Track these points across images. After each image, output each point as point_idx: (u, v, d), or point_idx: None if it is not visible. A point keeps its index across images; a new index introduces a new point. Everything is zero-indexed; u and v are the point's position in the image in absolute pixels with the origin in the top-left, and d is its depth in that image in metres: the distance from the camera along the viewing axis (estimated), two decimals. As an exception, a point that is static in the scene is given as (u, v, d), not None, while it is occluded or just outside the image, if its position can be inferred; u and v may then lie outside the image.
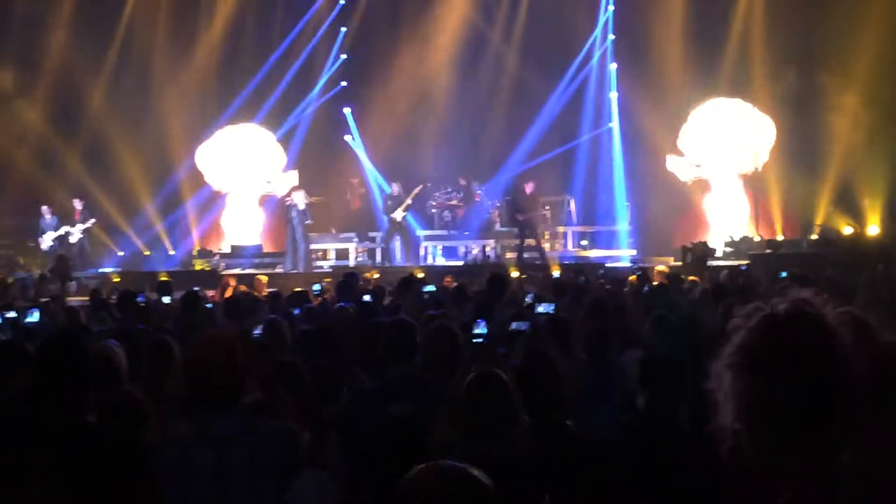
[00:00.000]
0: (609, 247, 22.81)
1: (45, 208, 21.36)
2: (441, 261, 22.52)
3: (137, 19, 23.76)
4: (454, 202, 23.63)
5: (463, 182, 23.72)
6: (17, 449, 3.86)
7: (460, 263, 20.57)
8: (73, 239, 21.20)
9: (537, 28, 23.48)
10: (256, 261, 22.22)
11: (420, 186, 22.27)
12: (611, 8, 24.15)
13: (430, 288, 10.88)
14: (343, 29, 25.16)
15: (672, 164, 22.71)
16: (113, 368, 5.27)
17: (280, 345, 6.77)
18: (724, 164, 22.46)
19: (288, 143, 24.79)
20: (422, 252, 22.80)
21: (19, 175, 21.71)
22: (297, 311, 9.23)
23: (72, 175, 22.06)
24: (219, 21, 24.37)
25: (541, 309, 7.59)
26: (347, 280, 11.41)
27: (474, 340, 5.41)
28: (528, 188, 20.69)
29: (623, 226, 23.16)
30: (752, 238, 21.25)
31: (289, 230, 21.08)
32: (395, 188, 22.04)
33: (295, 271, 20.10)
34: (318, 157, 24.49)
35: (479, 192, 23.54)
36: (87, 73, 22.46)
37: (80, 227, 21.24)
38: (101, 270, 20.76)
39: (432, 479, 2.14)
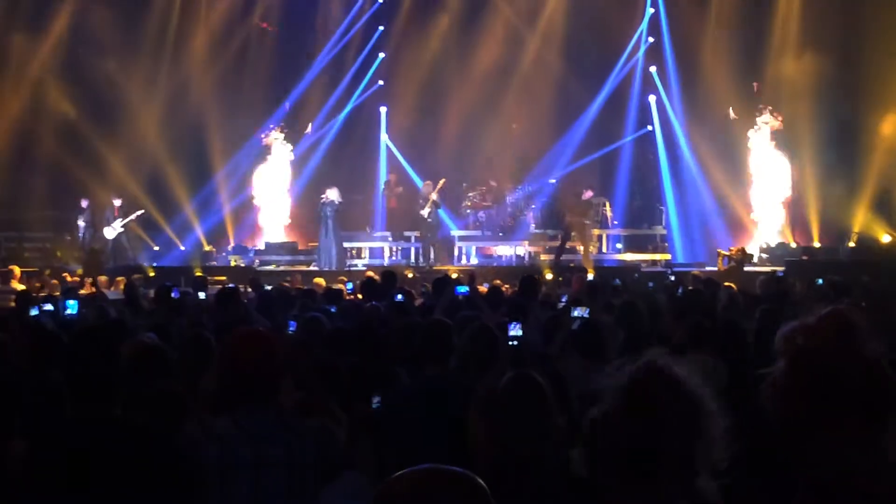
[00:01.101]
0: (645, 250, 22.74)
1: (83, 202, 21.58)
2: (475, 261, 22.56)
3: (181, 25, 24.04)
4: (488, 203, 23.61)
5: (494, 184, 23.71)
6: (32, 437, 3.92)
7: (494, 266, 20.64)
8: (110, 234, 21.38)
9: (578, 31, 23.47)
10: (290, 258, 22.34)
11: (443, 180, 22.20)
12: (651, 10, 24.08)
13: (464, 289, 10.84)
14: (380, 28, 25.26)
15: None
16: (152, 362, 5.31)
17: (316, 342, 6.78)
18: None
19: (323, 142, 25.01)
20: (456, 252, 22.81)
21: (58, 168, 21.88)
22: (333, 309, 9.23)
23: (111, 170, 22.20)
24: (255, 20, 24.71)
25: (576, 313, 7.54)
26: (378, 279, 11.46)
27: (510, 343, 5.39)
28: (587, 195, 20.77)
29: (660, 229, 23.09)
30: (788, 244, 21.09)
31: (322, 227, 21.14)
32: (425, 188, 22.04)
33: (328, 268, 20.17)
34: (354, 155, 24.59)
35: (514, 194, 23.52)
36: (127, 70, 22.61)
37: (119, 222, 21.41)
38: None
39: (423, 481, 2.10)
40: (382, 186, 24.35)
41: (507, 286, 12.69)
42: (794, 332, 3.01)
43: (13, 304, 10.64)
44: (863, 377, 2.46)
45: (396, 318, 8.11)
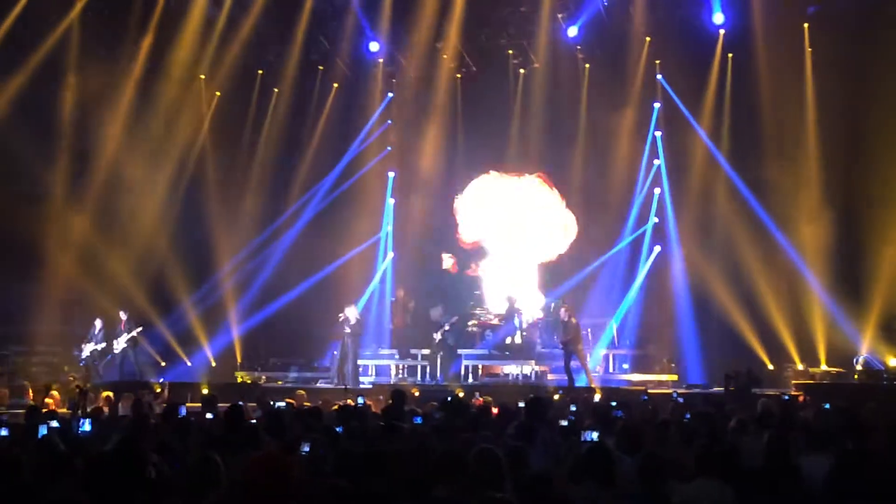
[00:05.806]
0: (651, 371, 22.63)
1: (98, 320, 21.53)
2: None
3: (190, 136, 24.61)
4: (495, 321, 23.62)
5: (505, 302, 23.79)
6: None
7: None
8: (117, 349, 21.37)
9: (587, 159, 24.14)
10: (298, 374, 22.30)
11: (456, 317, 22.73)
12: (658, 133, 24.51)
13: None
14: (391, 173, 25.86)
15: None
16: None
17: (325, 464, 6.75)
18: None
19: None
20: (462, 371, 22.76)
21: (68, 282, 21.98)
22: (340, 430, 9.16)
23: (118, 283, 22.27)
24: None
25: (586, 437, 7.52)
26: (397, 400, 11.46)
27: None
28: (562, 315, 20.85)
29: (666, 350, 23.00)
30: (795, 367, 20.99)
31: (340, 345, 21.23)
32: (435, 312, 22.37)
33: (342, 386, 20.15)
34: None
35: (521, 312, 23.55)
36: (136, 181, 22.85)
37: (124, 336, 21.40)
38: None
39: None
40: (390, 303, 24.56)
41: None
42: None
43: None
44: None
45: (409, 439, 8.06)
